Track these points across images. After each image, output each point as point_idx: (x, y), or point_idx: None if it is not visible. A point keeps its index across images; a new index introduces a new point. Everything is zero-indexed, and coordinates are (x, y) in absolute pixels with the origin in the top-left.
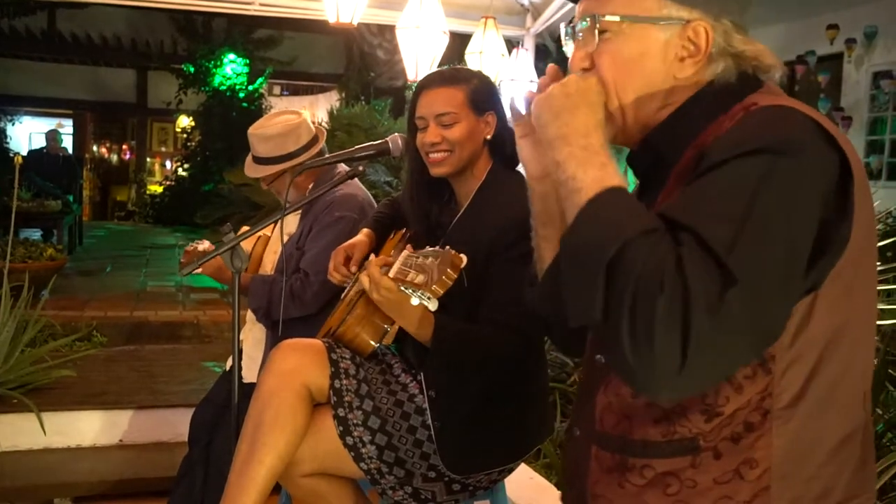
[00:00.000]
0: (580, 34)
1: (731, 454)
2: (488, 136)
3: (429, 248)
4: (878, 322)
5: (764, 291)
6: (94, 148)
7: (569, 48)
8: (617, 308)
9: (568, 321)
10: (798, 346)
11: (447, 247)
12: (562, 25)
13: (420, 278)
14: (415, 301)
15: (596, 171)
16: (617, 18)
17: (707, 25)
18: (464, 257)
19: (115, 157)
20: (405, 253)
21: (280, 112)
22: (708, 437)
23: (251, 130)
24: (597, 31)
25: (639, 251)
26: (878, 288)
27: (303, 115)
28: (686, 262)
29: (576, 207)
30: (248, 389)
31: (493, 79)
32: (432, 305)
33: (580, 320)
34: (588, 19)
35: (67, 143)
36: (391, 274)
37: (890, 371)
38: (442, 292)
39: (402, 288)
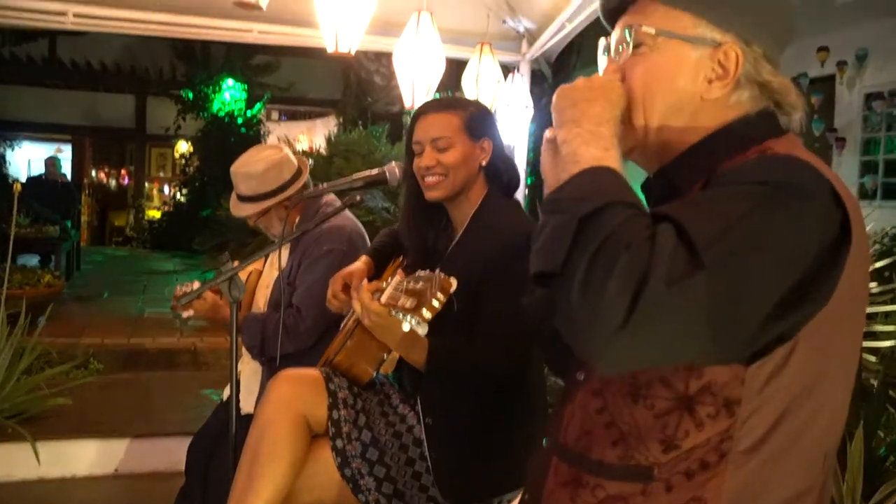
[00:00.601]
0: (618, 47)
1: (682, 489)
2: (483, 163)
3: (420, 273)
4: (878, 344)
5: (732, 291)
6: (93, 173)
7: (602, 64)
8: (578, 258)
9: (531, 268)
10: (766, 394)
11: (438, 271)
12: (600, 42)
13: (410, 303)
14: (406, 326)
15: (597, 151)
16: (653, 31)
17: (738, 50)
18: (454, 281)
19: (113, 183)
20: (397, 278)
21: (262, 148)
22: (663, 469)
23: (234, 168)
24: (632, 43)
25: (615, 215)
26: (877, 310)
27: (284, 149)
28: (659, 237)
29: (569, 175)
30: (246, 420)
31: (489, 104)
32: (422, 330)
33: (540, 266)
34: (626, 30)
35: (66, 168)
36: (382, 299)
37: (891, 393)
38: (431, 316)
39: (393, 313)
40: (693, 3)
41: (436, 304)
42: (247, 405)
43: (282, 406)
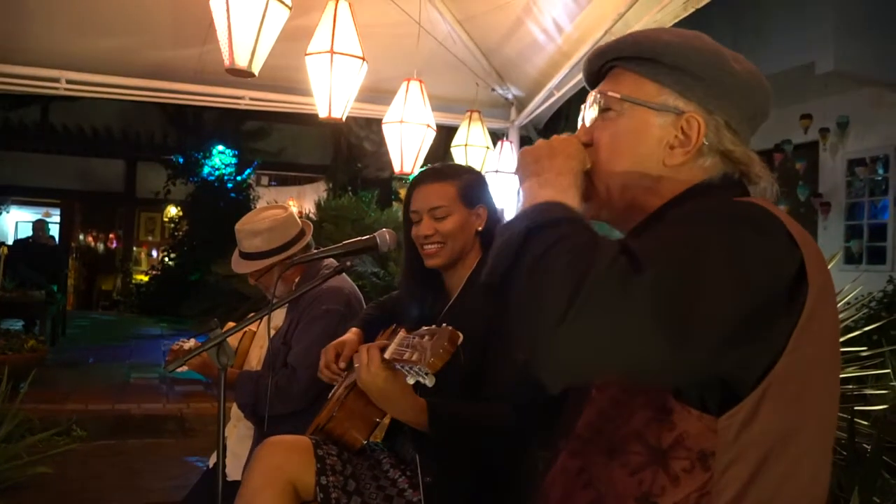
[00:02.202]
0: (588, 111)
1: None
2: (479, 228)
3: (424, 328)
4: (870, 408)
5: (680, 291)
6: (81, 237)
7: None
8: (524, 261)
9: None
10: (741, 445)
11: (445, 324)
12: (582, 107)
13: (417, 356)
14: (410, 380)
15: (554, 192)
16: (618, 96)
17: (700, 119)
18: (460, 334)
19: (101, 246)
20: (401, 335)
21: (267, 207)
22: None
23: (238, 226)
24: (599, 107)
25: (561, 228)
26: (867, 373)
27: (290, 209)
28: (603, 245)
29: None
30: (233, 487)
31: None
32: (429, 381)
33: (489, 272)
34: (596, 95)
35: (54, 231)
36: (387, 354)
37: (885, 458)
38: (440, 366)
39: (399, 367)
40: (657, 74)
41: (444, 354)
42: (234, 472)
43: (269, 473)
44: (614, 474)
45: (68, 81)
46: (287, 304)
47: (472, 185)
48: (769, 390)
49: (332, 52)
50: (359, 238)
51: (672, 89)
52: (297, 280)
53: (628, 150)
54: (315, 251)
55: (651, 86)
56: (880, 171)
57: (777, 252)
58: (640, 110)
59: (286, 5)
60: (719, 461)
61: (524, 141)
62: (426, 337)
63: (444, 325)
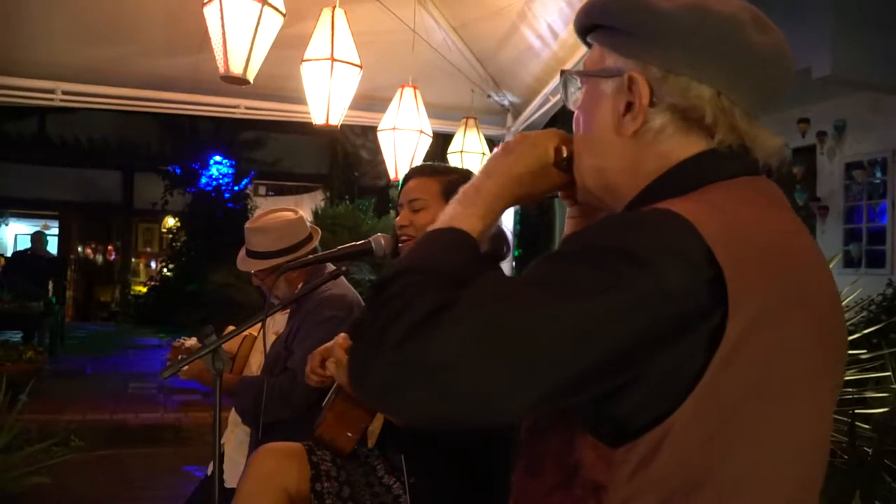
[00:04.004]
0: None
1: None
2: None
3: None
4: (871, 411)
5: (478, 352)
6: (79, 248)
7: None
8: (368, 313)
9: None
10: (636, 484)
11: None
12: None
13: None
14: None
15: (459, 209)
16: (573, 70)
17: (639, 75)
18: None
19: (99, 258)
20: None
21: (277, 209)
22: None
23: (248, 224)
24: (571, 88)
25: (400, 283)
26: (868, 376)
27: (300, 212)
28: (420, 299)
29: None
30: (232, 494)
31: None
32: None
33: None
34: (562, 80)
35: (53, 243)
36: None
37: (886, 462)
38: None
39: None
40: (603, 38)
41: None
42: (232, 478)
43: (263, 479)
44: (532, 491)
45: (64, 92)
46: (288, 310)
47: (457, 184)
48: (672, 430)
49: (332, 59)
50: (354, 243)
51: (612, 50)
52: (300, 285)
53: (587, 124)
54: (310, 256)
55: (597, 52)
56: (878, 175)
57: (657, 288)
58: (594, 81)
59: (280, 12)
60: (613, 496)
61: None
62: None
63: None
